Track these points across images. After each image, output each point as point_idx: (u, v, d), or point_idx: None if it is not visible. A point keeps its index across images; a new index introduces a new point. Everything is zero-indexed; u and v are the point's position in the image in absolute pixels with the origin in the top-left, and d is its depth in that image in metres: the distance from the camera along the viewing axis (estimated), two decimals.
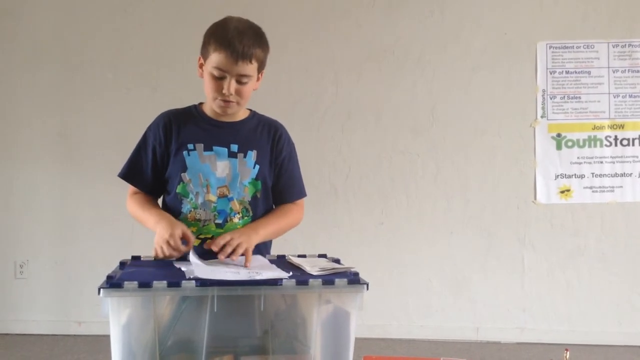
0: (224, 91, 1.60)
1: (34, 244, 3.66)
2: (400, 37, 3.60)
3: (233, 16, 1.67)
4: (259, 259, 1.56)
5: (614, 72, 3.54)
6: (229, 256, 1.48)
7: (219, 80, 1.60)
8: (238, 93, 1.61)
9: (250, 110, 1.76)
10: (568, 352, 1.66)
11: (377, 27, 3.60)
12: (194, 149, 1.65)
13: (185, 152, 1.65)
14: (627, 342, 3.48)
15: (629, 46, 3.53)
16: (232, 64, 1.57)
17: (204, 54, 1.63)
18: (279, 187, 1.72)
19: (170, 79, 3.59)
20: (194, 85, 3.55)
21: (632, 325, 3.51)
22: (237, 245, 1.50)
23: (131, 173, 1.70)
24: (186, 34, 3.62)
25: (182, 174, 1.65)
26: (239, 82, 1.60)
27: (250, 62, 1.59)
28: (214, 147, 1.65)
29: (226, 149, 1.66)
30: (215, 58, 1.58)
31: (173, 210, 1.66)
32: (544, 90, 3.56)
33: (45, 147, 3.66)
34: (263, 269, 1.40)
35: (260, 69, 1.65)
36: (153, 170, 1.69)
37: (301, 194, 1.77)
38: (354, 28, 3.61)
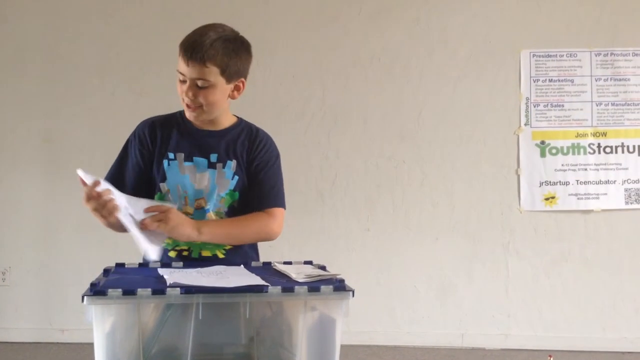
0: (182, 95, 1.60)
1: (17, 250, 3.62)
2: (386, 44, 3.62)
3: (215, 23, 1.65)
4: (240, 269, 1.53)
5: (596, 80, 3.59)
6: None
7: (181, 84, 1.61)
8: (203, 98, 1.58)
9: (238, 118, 1.73)
10: (552, 358, 1.67)
11: (364, 34, 3.62)
12: (175, 159, 1.65)
13: (165, 162, 1.65)
14: (611, 347, 3.51)
15: (611, 55, 3.57)
16: (185, 65, 1.57)
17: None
18: (251, 194, 1.66)
19: (156, 84, 3.57)
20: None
21: (616, 330, 3.54)
22: (163, 221, 1.47)
23: (114, 181, 1.64)
24: (172, 39, 3.58)
25: (160, 184, 1.64)
26: (198, 86, 1.58)
27: (206, 65, 1.55)
28: (195, 158, 1.64)
29: (206, 160, 1.65)
30: (179, 61, 1.60)
31: None
32: (527, 98, 3.59)
33: (30, 152, 3.63)
34: (233, 275, 1.39)
35: (228, 76, 1.59)
36: (138, 177, 1.65)
37: (273, 203, 1.65)
38: (341, 35, 3.62)
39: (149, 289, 1.21)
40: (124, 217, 1.47)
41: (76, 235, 3.59)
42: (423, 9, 3.61)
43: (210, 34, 1.58)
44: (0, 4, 3.63)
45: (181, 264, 1.56)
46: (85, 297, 1.20)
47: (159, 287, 1.23)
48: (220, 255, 1.65)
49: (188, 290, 1.22)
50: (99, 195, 1.45)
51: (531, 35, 3.59)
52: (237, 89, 1.64)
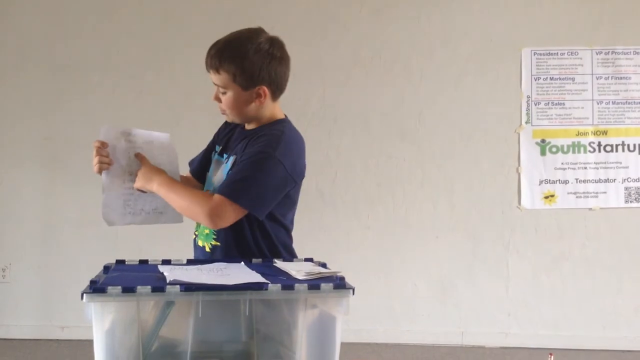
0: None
1: (17, 247, 3.62)
2: (387, 43, 3.61)
3: (251, 29, 1.68)
4: (241, 267, 1.53)
5: (597, 78, 3.58)
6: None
7: None
8: (223, 104, 1.65)
9: (281, 119, 1.71)
10: (552, 357, 1.67)
11: (365, 32, 3.61)
12: (216, 152, 1.77)
13: (213, 153, 1.78)
14: (611, 346, 3.51)
15: (612, 53, 3.57)
16: (207, 72, 1.65)
17: None
18: None
19: (156, 82, 3.57)
20: (180, 89, 3.56)
21: (616, 329, 3.54)
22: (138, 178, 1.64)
23: (193, 158, 1.85)
24: (172, 37, 3.62)
25: (207, 173, 1.77)
26: (220, 91, 1.64)
27: (218, 72, 1.60)
28: (224, 154, 1.73)
29: (227, 155, 1.71)
30: None
31: None
32: (528, 97, 3.59)
33: (30, 150, 3.63)
34: (234, 272, 1.39)
35: (241, 84, 1.59)
36: (205, 160, 1.79)
37: (224, 191, 1.53)
38: (342, 33, 3.61)
39: (149, 287, 1.21)
40: (107, 177, 1.66)
41: (76, 232, 3.59)
42: (424, 7, 3.60)
43: (228, 41, 1.62)
44: (1, 1, 3.63)
45: (183, 260, 1.56)
46: (84, 295, 1.20)
47: (159, 285, 1.23)
48: (207, 249, 1.68)
49: (188, 287, 1.22)
50: (97, 148, 1.64)
51: (532, 34, 3.59)
52: (258, 96, 1.62)
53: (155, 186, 1.61)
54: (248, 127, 1.71)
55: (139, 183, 1.64)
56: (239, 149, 1.66)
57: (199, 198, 1.58)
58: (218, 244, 1.65)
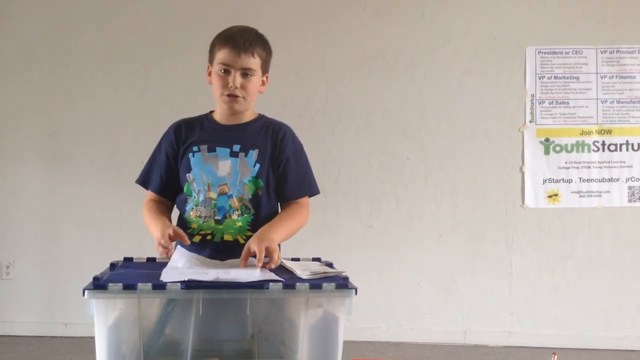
0: (229, 85, 1.67)
1: (21, 244, 3.62)
2: (390, 41, 3.60)
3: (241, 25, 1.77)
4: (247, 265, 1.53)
5: (602, 77, 3.57)
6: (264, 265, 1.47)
7: (224, 76, 1.68)
8: (243, 88, 1.68)
9: (259, 113, 1.81)
10: (555, 356, 1.66)
11: (368, 31, 3.60)
12: (199, 151, 1.72)
13: (190, 154, 1.72)
14: (614, 346, 3.50)
15: (616, 52, 3.55)
16: (236, 56, 1.66)
17: (211, 58, 1.73)
18: (283, 185, 1.73)
19: (159, 79, 3.57)
20: (182, 86, 3.56)
21: (619, 329, 3.53)
22: (266, 251, 1.48)
23: (145, 178, 1.79)
24: (174, 34, 3.62)
25: (187, 174, 1.71)
26: (243, 75, 1.68)
27: (253, 56, 1.68)
28: (217, 148, 1.71)
29: (228, 149, 1.70)
30: (220, 55, 1.68)
31: (181, 210, 1.74)
32: (532, 95, 3.58)
33: (33, 147, 3.63)
34: (236, 270, 1.39)
35: (264, 69, 1.74)
36: (166, 173, 1.75)
37: (304, 193, 1.76)
38: (345, 31, 3.61)
39: (149, 284, 1.21)
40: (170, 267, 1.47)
41: (79, 229, 3.60)
42: (428, 5, 3.59)
43: (250, 30, 1.73)
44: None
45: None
46: (86, 291, 1.20)
47: (160, 282, 1.23)
48: (242, 241, 1.66)
49: (188, 285, 1.22)
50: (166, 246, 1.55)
51: (537, 32, 3.57)
52: (263, 83, 1.77)
53: (276, 240, 1.57)
54: (236, 121, 1.73)
55: (254, 246, 1.51)
56: (259, 142, 1.71)
57: (302, 213, 1.73)
58: (251, 233, 1.65)
